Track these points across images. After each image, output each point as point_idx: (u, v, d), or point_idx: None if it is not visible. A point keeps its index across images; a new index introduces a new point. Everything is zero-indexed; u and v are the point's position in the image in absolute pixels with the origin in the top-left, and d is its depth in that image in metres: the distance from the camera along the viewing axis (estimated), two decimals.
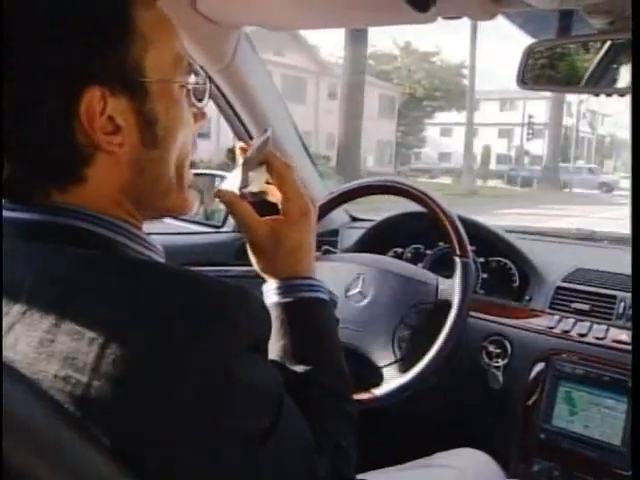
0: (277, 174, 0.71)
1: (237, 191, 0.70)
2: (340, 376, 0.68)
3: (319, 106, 21.55)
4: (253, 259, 0.72)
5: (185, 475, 0.46)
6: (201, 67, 1.06)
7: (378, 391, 1.06)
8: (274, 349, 0.66)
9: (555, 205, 14.47)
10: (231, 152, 0.68)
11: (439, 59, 30.97)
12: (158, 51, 0.56)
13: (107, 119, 0.53)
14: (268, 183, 0.72)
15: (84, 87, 0.51)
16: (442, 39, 31.09)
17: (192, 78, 0.61)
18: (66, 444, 0.43)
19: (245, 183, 0.70)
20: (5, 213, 0.54)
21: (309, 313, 0.69)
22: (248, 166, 0.70)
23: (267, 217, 0.71)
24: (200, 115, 0.64)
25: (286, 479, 0.53)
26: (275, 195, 0.72)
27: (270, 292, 0.70)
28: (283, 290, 0.69)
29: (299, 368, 0.65)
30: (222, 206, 1.61)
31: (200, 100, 0.63)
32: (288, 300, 0.68)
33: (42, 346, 0.46)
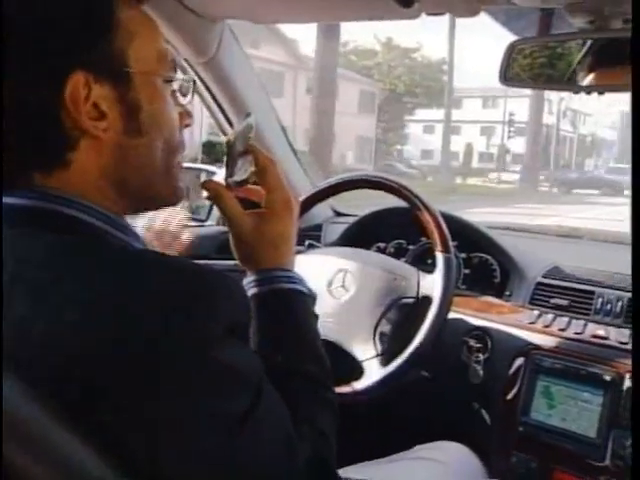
0: (260, 166, 0.72)
1: (222, 181, 0.71)
2: (320, 364, 0.69)
3: (297, 101, 21.35)
4: (235, 250, 0.73)
5: (164, 456, 0.47)
6: (185, 59, 1.07)
7: (359, 385, 1.06)
8: (254, 339, 0.67)
9: (534, 205, 14.50)
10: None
11: (420, 55, 30.95)
12: (141, 45, 0.57)
13: (92, 105, 0.54)
14: (254, 183, 0.73)
15: (68, 72, 0.53)
16: (424, 35, 31.20)
17: (177, 75, 0.62)
18: (46, 429, 0.43)
19: (230, 173, 0.71)
20: None
21: (288, 304, 0.70)
22: (232, 154, 0.71)
23: (251, 210, 0.72)
24: (186, 114, 0.65)
25: (265, 463, 0.53)
26: (258, 193, 0.73)
27: (250, 283, 0.71)
28: (263, 281, 0.70)
29: (279, 357, 0.66)
30: (207, 202, 1.62)
31: (184, 95, 0.64)
32: (267, 291, 0.70)
33: (21, 329, 0.47)
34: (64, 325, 0.46)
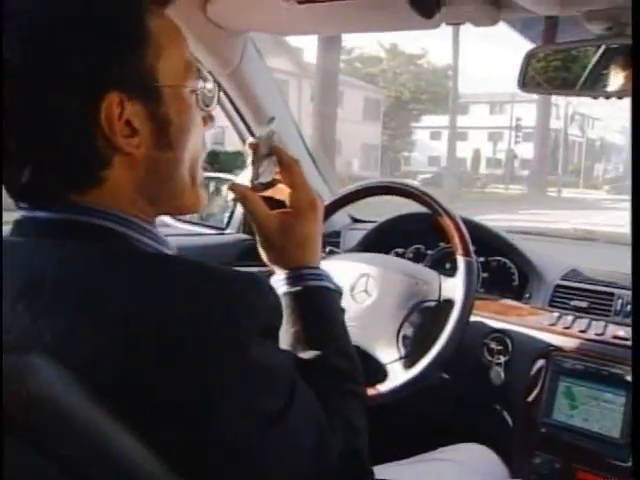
0: (284, 166, 0.74)
1: (249, 184, 0.73)
2: (349, 359, 0.70)
3: (302, 109, 21.30)
4: (263, 251, 0.75)
5: (200, 449, 0.49)
6: (209, 72, 1.09)
7: (383, 387, 1.07)
8: (285, 337, 0.69)
9: (539, 210, 14.29)
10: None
11: (425, 61, 30.84)
12: (170, 57, 0.58)
13: (125, 123, 0.55)
14: (277, 181, 0.75)
15: (104, 93, 0.53)
16: (429, 41, 31.14)
17: (201, 83, 0.63)
18: (92, 422, 0.45)
19: (256, 176, 0.73)
20: (27, 213, 0.57)
21: (317, 301, 0.72)
22: (257, 157, 0.72)
23: (277, 210, 0.74)
24: (209, 118, 0.66)
25: (300, 458, 0.55)
26: (283, 192, 0.75)
27: (279, 282, 0.73)
28: (292, 280, 0.72)
29: (310, 353, 0.67)
30: (217, 210, 1.64)
31: (207, 105, 0.65)
32: (297, 289, 0.71)
33: (65, 336, 0.48)
34: (101, 330, 0.48)
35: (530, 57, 1.01)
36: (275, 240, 0.73)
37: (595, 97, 0.99)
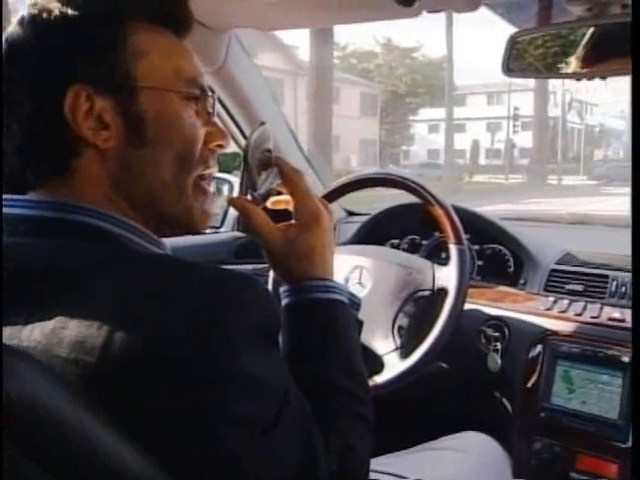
0: (286, 178, 0.72)
1: (248, 196, 0.71)
2: (355, 377, 0.67)
3: (298, 107, 21.17)
4: (270, 263, 0.74)
5: (184, 456, 0.48)
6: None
7: (380, 378, 1.07)
8: (287, 349, 0.67)
9: (538, 199, 14.15)
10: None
11: (421, 54, 30.80)
12: (152, 62, 0.59)
13: (97, 116, 0.57)
14: (279, 193, 0.74)
15: (68, 85, 0.56)
16: (423, 34, 31.03)
17: (198, 92, 0.62)
18: (80, 424, 0.44)
19: (254, 186, 0.70)
20: (8, 210, 0.56)
21: (322, 313, 0.69)
22: (252, 167, 0.69)
23: (281, 223, 0.72)
24: (219, 133, 0.66)
25: (285, 471, 0.53)
26: (288, 202, 0.74)
27: (284, 294, 0.71)
28: (296, 292, 0.70)
29: (311, 368, 0.65)
30: (218, 210, 1.63)
31: (209, 114, 0.64)
32: (299, 301, 0.69)
33: (54, 333, 0.48)
34: (95, 328, 0.47)
35: (513, 41, 1.01)
36: (281, 254, 0.71)
37: (579, 79, 0.99)
